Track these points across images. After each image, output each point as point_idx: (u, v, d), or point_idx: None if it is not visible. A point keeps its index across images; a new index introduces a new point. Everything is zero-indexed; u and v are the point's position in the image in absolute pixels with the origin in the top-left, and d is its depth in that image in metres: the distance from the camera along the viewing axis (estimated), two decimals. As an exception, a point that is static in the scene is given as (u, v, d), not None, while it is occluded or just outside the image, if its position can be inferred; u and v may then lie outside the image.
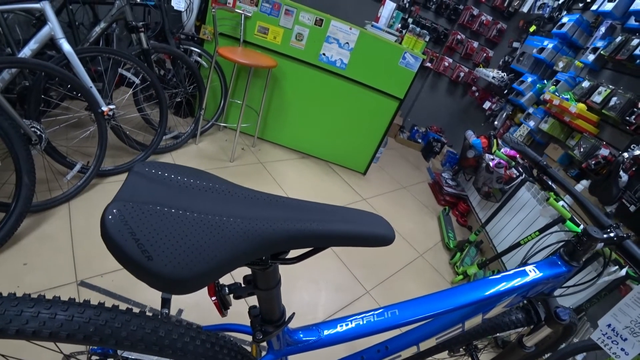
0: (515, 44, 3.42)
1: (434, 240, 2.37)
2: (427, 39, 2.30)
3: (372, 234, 0.46)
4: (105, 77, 1.92)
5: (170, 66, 2.44)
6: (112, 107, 1.83)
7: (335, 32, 2.33)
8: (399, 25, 2.48)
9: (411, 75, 2.37)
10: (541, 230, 1.70)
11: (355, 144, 2.78)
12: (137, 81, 2.04)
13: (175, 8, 2.16)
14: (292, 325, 0.66)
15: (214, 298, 0.49)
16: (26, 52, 1.58)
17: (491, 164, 2.09)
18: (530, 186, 2.07)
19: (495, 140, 1.95)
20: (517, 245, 1.83)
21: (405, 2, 3.39)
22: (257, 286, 0.50)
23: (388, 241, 0.47)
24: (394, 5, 2.37)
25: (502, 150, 2.06)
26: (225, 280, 0.51)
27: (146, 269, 0.33)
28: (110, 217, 0.33)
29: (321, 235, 0.41)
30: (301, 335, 0.63)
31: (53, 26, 1.57)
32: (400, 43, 2.34)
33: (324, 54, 2.43)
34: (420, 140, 3.92)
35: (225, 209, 0.38)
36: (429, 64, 3.73)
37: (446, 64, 3.70)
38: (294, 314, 0.59)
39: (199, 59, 2.58)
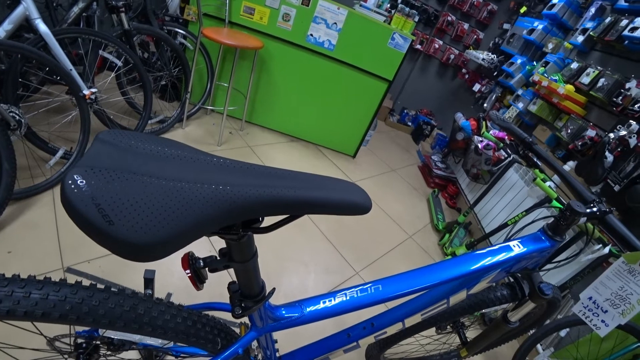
0: (506, 26, 3.40)
1: (423, 222, 2.39)
2: (417, 19, 2.26)
3: (348, 201, 0.44)
4: (86, 60, 1.85)
5: (154, 49, 2.37)
6: (94, 90, 1.78)
7: (323, 12, 2.28)
8: (388, 5, 2.43)
9: (400, 56, 2.34)
10: (528, 211, 1.72)
11: (344, 127, 2.76)
12: (119, 64, 1.98)
13: (156, -13, 2.08)
14: (277, 303, 0.66)
15: (187, 271, 0.48)
16: (0, 33, 1.51)
17: (480, 145, 2.10)
18: (518, 167, 2.09)
19: (484, 123, 1.95)
20: (504, 225, 1.86)
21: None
22: (232, 258, 0.49)
23: (364, 209, 0.46)
24: (382, -17, 2.33)
25: (491, 132, 2.07)
26: (202, 253, 0.50)
27: (107, 234, 0.32)
28: (69, 182, 0.32)
29: (293, 201, 0.39)
30: (283, 312, 0.63)
31: (27, 5, 1.50)
32: (389, 23, 2.30)
33: (311, 35, 2.38)
34: (410, 124, 3.91)
35: (192, 176, 0.36)
36: (419, 47, 3.68)
37: (436, 46, 3.66)
38: (274, 289, 0.59)
39: (183, 40, 2.51)
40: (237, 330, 0.77)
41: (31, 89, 1.86)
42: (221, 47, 2.44)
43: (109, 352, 0.78)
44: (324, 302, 0.62)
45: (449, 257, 2.07)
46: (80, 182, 0.32)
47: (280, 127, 2.84)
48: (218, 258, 0.50)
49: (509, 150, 2.08)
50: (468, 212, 2.17)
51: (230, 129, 2.70)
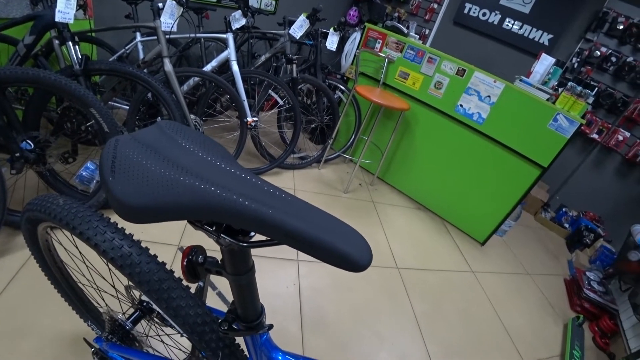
0: None
1: (549, 352, 1.82)
2: (590, 100, 1.89)
3: (330, 245, 0.36)
4: (257, 96, 2.31)
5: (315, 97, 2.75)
6: (255, 119, 2.17)
7: (477, 84, 2.19)
8: (555, 83, 2.14)
9: (562, 141, 1.98)
10: None
11: (478, 208, 2.47)
12: (281, 102, 2.37)
13: (328, 48, 2.45)
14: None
15: (185, 261, 0.50)
16: (208, 68, 2.05)
17: (662, 277, 1.51)
18: None
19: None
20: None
21: (572, 61, 2.92)
22: (224, 267, 0.49)
23: (353, 266, 0.36)
24: (552, 60, 2.07)
25: (684, 263, 1.47)
26: (211, 253, 0.52)
27: (106, 183, 0.39)
28: (111, 141, 0.43)
29: (261, 220, 0.37)
30: (280, 358, 0.58)
31: (230, 51, 2.01)
32: (554, 103, 2.01)
33: (461, 105, 2.30)
34: (567, 226, 3.16)
35: (198, 170, 0.40)
36: (595, 136, 3.03)
37: (620, 138, 2.93)
38: (271, 325, 0.55)
39: (340, 94, 2.83)
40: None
41: (216, 110, 2.42)
42: (371, 104, 2.62)
43: (158, 321, 0.88)
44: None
45: (575, 411, 1.48)
46: (117, 142, 0.42)
47: (409, 192, 2.77)
48: (219, 262, 0.51)
49: None
50: (623, 363, 1.55)
51: (360, 181, 2.79)
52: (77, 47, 1.54)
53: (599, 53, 2.89)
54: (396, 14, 3.84)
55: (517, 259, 2.55)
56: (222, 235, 0.42)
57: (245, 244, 0.42)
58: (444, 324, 1.73)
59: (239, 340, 0.63)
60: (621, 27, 2.81)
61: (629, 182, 3.05)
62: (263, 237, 0.40)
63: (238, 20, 2.05)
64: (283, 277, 1.66)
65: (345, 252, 0.36)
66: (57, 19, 1.43)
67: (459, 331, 1.72)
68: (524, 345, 1.80)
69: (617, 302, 2.10)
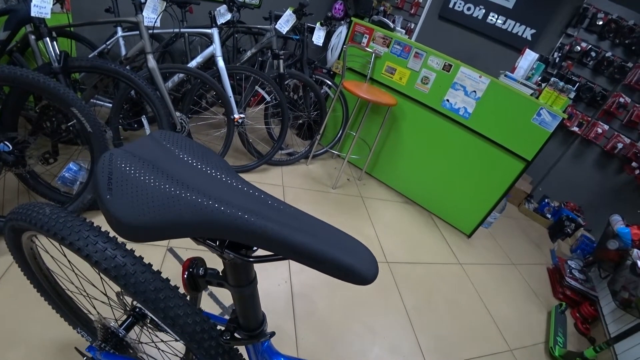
0: None
1: (533, 339, 1.89)
2: (572, 95, 1.94)
3: (338, 261, 0.35)
4: (244, 92, 2.27)
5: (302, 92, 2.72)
6: (242, 116, 2.14)
7: (463, 79, 2.22)
8: (539, 78, 2.18)
9: (545, 135, 2.04)
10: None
11: (465, 201, 2.51)
12: (268, 98, 2.34)
13: (315, 43, 2.43)
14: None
15: (186, 274, 0.49)
16: (193, 64, 2.01)
17: (640, 265, 1.58)
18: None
19: (650, 236, 1.49)
20: (658, 386, 1.31)
21: (554, 56, 2.99)
22: (226, 279, 0.48)
23: (360, 279, 0.36)
24: (535, 56, 2.11)
25: (660, 251, 1.54)
26: (210, 264, 0.51)
27: (103, 202, 0.37)
28: (105, 156, 0.40)
29: (272, 238, 0.36)
30: None
31: (215, 46, 1.96)
32: (537, 98, 2.05)
33: (447, 100, 2.33)
34: (549, 216, 3.27)
35: (200, 185, 0.39)
36: (576, 129, 3.12)
37: (599, 130, 3.03)
38: (274, 333, 0.55)
39: (327, 90, 2.81)
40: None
41: (202, 107, 2.37)
42: (358, 100, 2.62)
43: (152, 326, 0.86)
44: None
45: (559, 396, 1.55)
46: (111, 158, 0.40)
47: (397, 186, 2.80)
48: (220, 274, 0.50)
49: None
50: (603, 348, 1.62)
51: (349, 176, 2.80)
52: (55, 42, 1.48)
53: (579, 48, 2.97)
54: (382, 8, 3.84)
55: (503, 250, 2.62)
56: (226, 250, 0.41)
57: (250, 259, 0.41)
58: (434, 316, 1.77)
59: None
60: (600, 22, 2.88)
61: (608, 173, 3.16)
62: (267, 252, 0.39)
63: (223, 14, 2.00)
64: (275, 274, 1.66)
65: (352, 266, 0.36)
66: (32, 14, 1.36)
67: (448, 322, 1.76)
68: (510, 334, 1.86)
69: (597, 289, 2.19)
